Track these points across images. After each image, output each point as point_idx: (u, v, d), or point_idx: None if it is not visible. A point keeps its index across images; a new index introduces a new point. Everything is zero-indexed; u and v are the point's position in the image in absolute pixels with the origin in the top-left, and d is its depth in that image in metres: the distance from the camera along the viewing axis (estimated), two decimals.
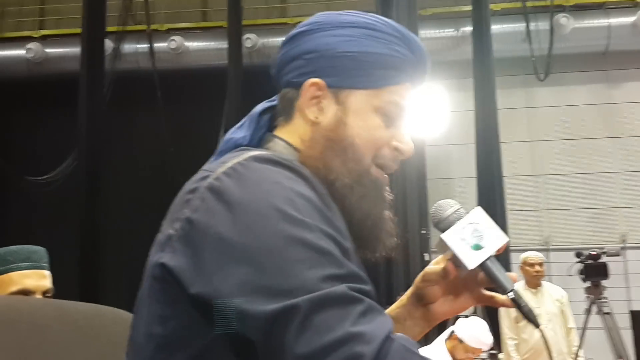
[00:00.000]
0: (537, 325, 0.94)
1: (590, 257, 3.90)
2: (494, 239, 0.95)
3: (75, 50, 7.34)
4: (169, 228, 0.82)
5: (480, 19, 6.67)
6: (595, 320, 4.14)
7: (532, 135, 7.86)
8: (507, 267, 5.97)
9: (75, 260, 6.31)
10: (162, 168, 7.05)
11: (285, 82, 0.98)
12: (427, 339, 3.76)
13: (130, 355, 0.85)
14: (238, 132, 0.97)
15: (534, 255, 5.01)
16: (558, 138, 7.82)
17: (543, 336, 0.97)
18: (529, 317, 0.94)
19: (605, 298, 4.04)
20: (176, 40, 7.50)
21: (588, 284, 4.04)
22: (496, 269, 0.95)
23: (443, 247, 0.98)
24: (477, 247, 0.95)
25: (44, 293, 1.82)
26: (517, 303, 0.93)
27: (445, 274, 1.00)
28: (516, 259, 5.25)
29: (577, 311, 4.81)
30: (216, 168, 0.83)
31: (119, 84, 7.37)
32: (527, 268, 4.98)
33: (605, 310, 3.97)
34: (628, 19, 7.29)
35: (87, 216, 6.48)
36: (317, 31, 0.96)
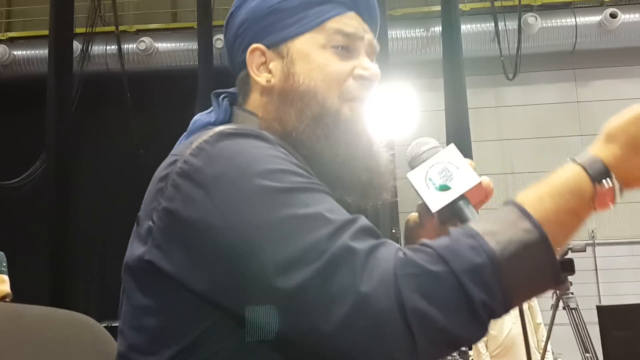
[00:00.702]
0: None
1: None
2: (464, 180, 0.85)
3: (42, 52, 7.24)
4: (146, 219, 0.80)
5: (450, 19, 6.72)
6: (563, 315, 4.19)
7: (502, 134, 7.94)
8: None
9: (44, 264, 6.22)
10: (132, 170, 6.98)
11: (237, 66, 0.97)
12: None
13: (122, 345, 0.83)
14: (205, 115, 0.97)
15: None
16: (527, 136, 7.91)
17: (522, 318, 0.92)
18: None
19: (571, 293, 4.09)
20: (146, 42, 7.43)
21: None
22: (469, 214, 0.85)
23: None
24: (444, 188, 0.85)
25: (2, 298, 1.80)
26: None
27: (421, 220, 0.94)
28: None
29: (545, 307, 4.86)
30: (184, 150, 0.81)
31: (88, 86, 7.28)
32: None
33: (572, 305, 4.02)
34: (595, 18, 7.40)
35: (56, 220, 6.39)
36: (240, 6, 0.96)
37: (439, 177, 0.85)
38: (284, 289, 0.67)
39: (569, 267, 3.85)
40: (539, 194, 0.74)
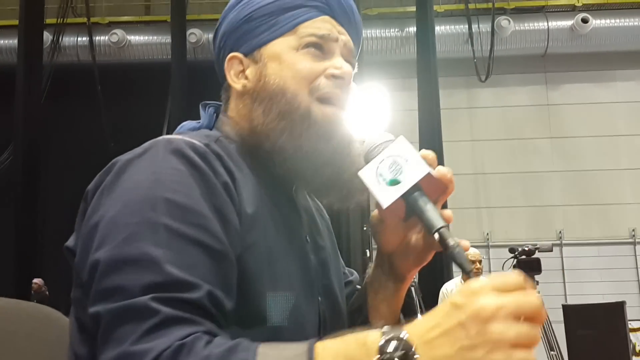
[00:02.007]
0: (467, 271, 0.77)
1: (523, 252, 4.01)
2: (413, 173, 0.81)
3: (12, 42, 7.11)
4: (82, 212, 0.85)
5: (424, 20, 6.77)
6: None
7: (473, 135, 8.03)
8: (448, 263, 6.09)
9: (11, 255, 6.13)
10: (102, 163, 6.84)
11: (222, 78, 0.99)
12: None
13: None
14: (195, 122, 0.99)
15: (470, 252, 5.13)
16: (498, 138, 8.01)
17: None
18: (456, 260, 0.78)
19: (538, 292, 4.15)
20: (118, 34, 7.35)
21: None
22: (422, 206, 0.80)
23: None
24: (394, 182, 0.81)
25: None
26: (444, 245, 0.78)
27: (382, 217, 0.91)
28: None
29: None
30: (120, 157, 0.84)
31: (58, 77, 7.17)
32: None
33: None
34: (566, 23, 7.53)
35: (23, 211, 6.29)
36: (221, 22, 0.99)
37: (388, 172, 0.82)
38: (92, 307, 0.71)
39: (535, 266, 3.91)
40: (334, 342, 0.69)
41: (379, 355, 0.64)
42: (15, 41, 6.78)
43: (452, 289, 5.02)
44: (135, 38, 7.52)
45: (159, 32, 7.50)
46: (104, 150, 7.03)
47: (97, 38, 7.38)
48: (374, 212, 0.91)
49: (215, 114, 0.99)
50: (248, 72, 0.94)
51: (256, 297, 0.81)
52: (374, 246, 1.13)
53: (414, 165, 0.82)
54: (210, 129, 0.96)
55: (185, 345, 0.65)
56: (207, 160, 0.81)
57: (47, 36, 7.18)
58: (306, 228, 0.98)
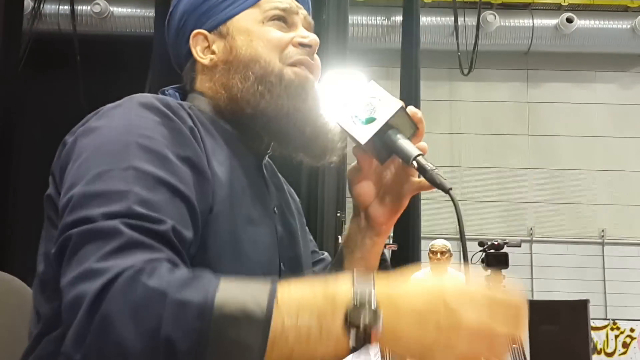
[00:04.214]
0: (445, 189, 0.82)
1: (492, 246, 4.06)
2: (387, 108, 0.86)
3: None
4: (52, 165, 0.87)
5: (411, 10, 6.76)
6: None
7: (452, 128, 8.06)
8: (417, 254, 6.13)
9: None
10: None
11: (183, 59, 1.02)
12: None
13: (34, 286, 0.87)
14: None
15: (437, 243, 5.20)
16: (477, 132, 8.05)
17: (452, 201, 0.79)
18: (434, 182, 0.83)
19: (504, 286, 4.21)
20: (100, 4, 7.22)
21: (489, 272, 4.21)
22: (398, 140, 0.86)
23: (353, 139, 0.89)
24: (370, 120, 0.86)
25: None
26: (422, 169, 0.83)
27: (360, 164, 0.95)
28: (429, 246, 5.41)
29: None
30: None
31: (37, 45, 7.03)
32: (431, 255, 5.20)
33: None
34: (551, 21, 7.56)
35: None
36: (177, 4, 1.02)
37: (363, 112, 0.86)
38: (60, 236, 0.71)
39: (503, 260, 3.96)
40: (300, 287, 0.67)
41: (344, 318, 0.64)
42: None
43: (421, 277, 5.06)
44: (117, 10, 7.40)
45: (142, 5, 7.39)
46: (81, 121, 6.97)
47: (79, 7, 7.25)
48: (351, 165, 0.95)
49: (177, 94, 1.01)
50: (215, 47, 0.97)
51: (215, 259, 0.82)
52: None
53: (388, 102, 0.86)
54: None
55: (148, 267, 0.65)
56: (177, 113, 0.84)
57: (28, 2, 7.04)
58: (275, 200, 1.00)
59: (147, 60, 6.55)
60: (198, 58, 0.98)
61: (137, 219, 0.69)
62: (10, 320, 1.21)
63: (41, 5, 7.26)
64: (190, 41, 0.98)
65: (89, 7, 7.28)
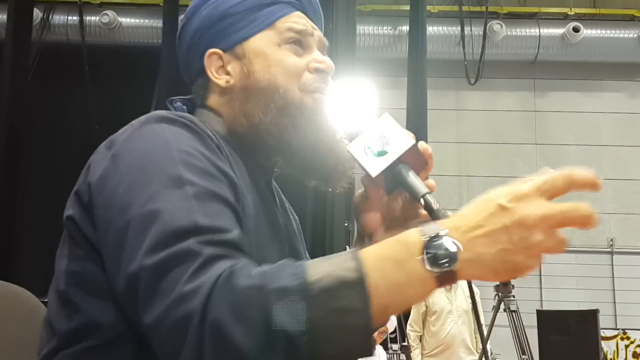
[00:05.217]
0: None
1: None
2: (400, 144, 0.87)
3: (1, 17, 7.01)
4: (76, 186, 0.85)
5: (417, 20, 6.77)
6: (504, 317, 4.29)
7: (459, 137, 8.05)
8: None
9: None
10: (86, 145, 6.79)
11: (194, 74, 1.01)
12: None
13: (48, 310, 0.86)
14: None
15: None
16: (484, 141, 8.04)
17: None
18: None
19: (513, 296, 4.19)
20: (109, 15, 7.27)
21: (497, 282, 4.19)
22: (407, 176, 0.87)
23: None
24: (382, 154, 0.87)
25: None
26: (429, 208, 0.85)
27: (367, 193, 0.95)
28: None
29: (487, 308, 4.97)
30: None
31: (46, 56, 7.08)
32: None
33: (512, 307, 4.12)
34: (558, 31, 7.55)
35: (3, 191, 6.22)
36: (191, 17, 1.00)
37: (376, 144, 0.88)
38: (128, 269, 0.71)
39: None
40: (377, 245, 0.71)
41: (423, 254, 0.67)
42: (4, 17, 6.69)
43: None
44: (126, 20, 7.44)
45: (150, 16, 7.44)
46: (88, 132, 7.01)
47: (87, 18, 7.30)
48: (358, 192, 0.96)
49: (185, 108, 1.00)
50: (230, 68, 0.97)
51: None
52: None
53: (401, 137, 0.88)
54: None
55: (234, 272, 0.67)
56: (204, 130, 0.85)
57: (37, 13, 7.09)
58: (282, 219, 1.00)
59: (155, 71, 6.59)
60: (213, 78, 0.97)
61: (206, 234, 0.70)
62: (20, 331, 1.22)
63: (50, 16, 7.32)
64: (205, 61, 0.97)
65: (97, 18, 7.33)
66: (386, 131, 0.88)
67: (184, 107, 1.01)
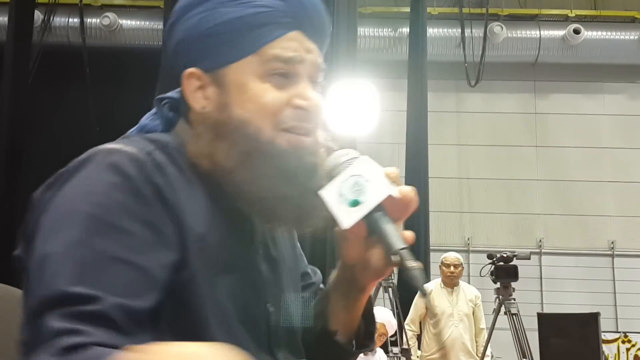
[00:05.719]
0: (422, 292, 0.79)
1: (501, 259, 4.04)
2: (374, 194, 0.81)
3: (2, 19, 7.02)
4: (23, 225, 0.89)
5: (417, 22, 6.78)
6: (504, 320, 4.29)
7: (460, 139, 8.05)
8: (426, 266, 6.11)
9: None
10: (86, 147, 6.73)
11: (178, 72, 0.92)
12: None
13: None
14: (151, 120, 0.95)
15: (450, 256, 5.16)
16: (484, 143, 8.04)
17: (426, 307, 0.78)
18: (413, 282, 0.78)
19: (513, 299, 4.19)
20: (110, 17, 7.28)
21: (498, 285, 4.19)
22: (383, 227, 0.81)
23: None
24: (355, 203, 0.81)
25: None
26: (402, 265, 0.78)
27: (344, 234, 0.87)
28: (438, 258, 5.38)
29: (488, 311, 4.97)
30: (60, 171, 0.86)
31: (47, 57, 7.09)
32: (444, 268, 5.13)
33: (513, 310, 4.12)
34: (558, 33, 7.56)
35: (5, 194, 6.22)
36: (179, 19, 0.92)
37: (350, 192, 0.82)
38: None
39: (512, 273, 3.95)
40: None
41: None
42: (5, 18, 6.70)
43: (432, 289, 5.05)
44: (126, 22, 7.46)
45: (151, 18, 7.45)
46: (89, 134, 7.01)
47: (88, 20, 7.31)
48: (337, 229, 0.88)
49: (172, 113, 0.95)
50: (209, 92, 0.89)
51: (202, 322, 0.81)
52: None
53: (376, 186, 0.81)
54: (168, 132, 0.93)
55: (67, 346, 0.67)
56: (144, 171, 0.81)
57: (38, 15, 7.10)
58: (259, 236, 0.95)
59: (156, 73, 6.56)
60: (190, 100, 0.90)
61: (69, 304, 0.70)
62: (17, 333, 1.21)
63: (51, 18, 7.33)
64: (184, 80, 0.90)
65: (98, 20, 7.34)
66: (362, 177, 0.82)
67: (170, 113, 0.94)
